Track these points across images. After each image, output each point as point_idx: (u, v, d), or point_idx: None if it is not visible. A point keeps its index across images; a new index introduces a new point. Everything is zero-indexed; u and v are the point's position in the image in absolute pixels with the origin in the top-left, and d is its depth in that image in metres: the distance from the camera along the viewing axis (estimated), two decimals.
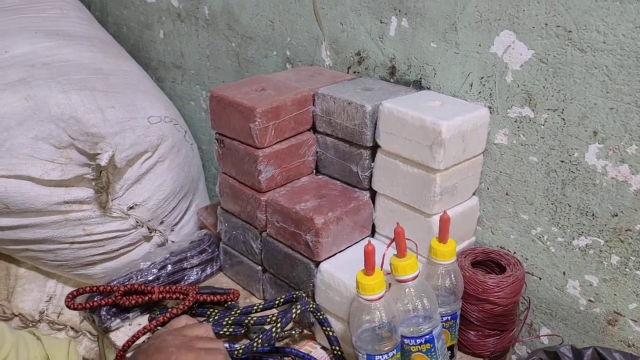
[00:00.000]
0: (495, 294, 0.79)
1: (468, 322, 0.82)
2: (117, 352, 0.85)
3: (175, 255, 0.99)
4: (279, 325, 0.78)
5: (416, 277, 0.72)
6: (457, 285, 0.77)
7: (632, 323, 0.78)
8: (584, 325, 0.83)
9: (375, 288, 0.69)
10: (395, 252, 0.73)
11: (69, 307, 0.88)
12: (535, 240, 0.84)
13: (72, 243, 1.13)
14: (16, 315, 1.21)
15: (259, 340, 0.78)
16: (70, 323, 1.25)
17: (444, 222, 0.74)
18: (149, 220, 1.18)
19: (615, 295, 0.78)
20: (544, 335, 0.87)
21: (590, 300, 0.81)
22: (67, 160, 1.08)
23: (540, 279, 0.86)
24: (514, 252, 0.88)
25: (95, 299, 0.89)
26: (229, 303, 0.93)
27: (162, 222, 1.22)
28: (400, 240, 0.72)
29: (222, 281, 1.03)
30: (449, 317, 0.78)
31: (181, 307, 0.87)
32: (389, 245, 0.74)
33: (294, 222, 0.84)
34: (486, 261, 0.87)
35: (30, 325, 1.21)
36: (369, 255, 0.69)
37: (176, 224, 1.28)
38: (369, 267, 0.69)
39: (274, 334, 0.77)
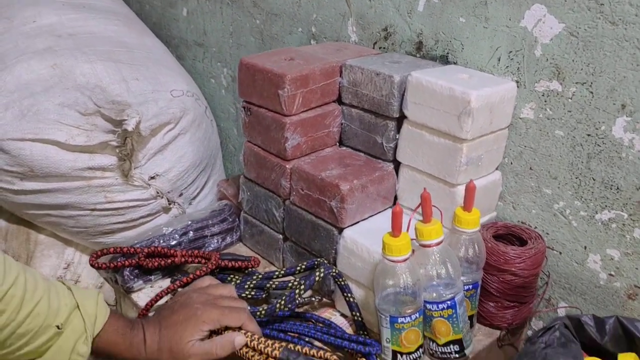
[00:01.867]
0: (517, 265, 0.80)
1: (488, 293, 0.83)
2: (140, 311, 0.86)
3: (196, 222, 1.00)
4: (302, 287, 0.79)
5: (440, 242, 0.73)
6: (479, 254, 0.78)
7: None
8: (603, 300, 0.83)
9: (402, 249, 0.70)
10: (421, 219, 0.74)
11: (92, 265, 0.89)
12: (557, 215, 0.85)
13: (93, 210, 1.14)
14: None
15: (282, 302, 0.79)
16: None
17: (470, 190, 0.75)
18: (168, 192, 1.20)
19: (636, 269, 0.78)
20: (562, 307, 0.88)
21: (610, 275, 0.81)
22: (92, 126, 1.09)
23: (560, 253, 0.86)
24: (535, 227, 0.88)
25: (119, 260, 0.90)
26: (250, 270, 0.94)
27: (181, 195, 1.24)
28: (427, 206, 0.72)
29: (241, 250, 1.04)
30: (470, 286, 0.79)
31: (204, 269, 0.88)
32: (415, 210, 0.75)
33: (319, 189, 0.85)
34: (507, 235, 0.87)
35: None
36: (396, 216, 0.70)
37: (194, 198, 1.29)
38: (396, 228, 0.70)
39: (297, 296, 0.79)
